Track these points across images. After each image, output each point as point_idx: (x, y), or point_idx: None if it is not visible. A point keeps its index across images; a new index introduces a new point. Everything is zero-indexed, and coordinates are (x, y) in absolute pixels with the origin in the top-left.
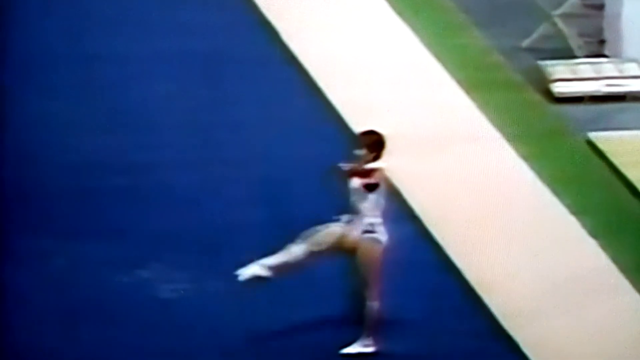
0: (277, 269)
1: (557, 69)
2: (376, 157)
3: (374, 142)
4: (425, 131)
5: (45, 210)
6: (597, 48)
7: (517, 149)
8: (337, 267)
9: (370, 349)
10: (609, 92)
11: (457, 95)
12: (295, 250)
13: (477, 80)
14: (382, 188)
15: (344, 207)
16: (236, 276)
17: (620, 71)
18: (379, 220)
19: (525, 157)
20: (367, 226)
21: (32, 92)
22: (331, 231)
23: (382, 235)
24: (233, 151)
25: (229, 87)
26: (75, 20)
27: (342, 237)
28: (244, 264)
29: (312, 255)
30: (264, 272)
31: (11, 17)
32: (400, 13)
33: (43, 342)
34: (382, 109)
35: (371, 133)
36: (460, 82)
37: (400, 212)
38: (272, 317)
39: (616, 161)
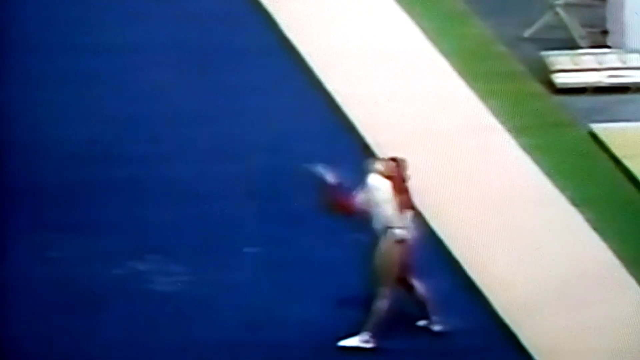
0: (376, 329)
1: (559, 59)
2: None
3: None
4: (425, 122)
5: (41, 203)
6: (600, 39)
7: (518, 141)
8: (335, 261)
9: (369, 345)
10: (611, 84)
11: (458, 86)
12: (380, 305)
13: (478, 71)
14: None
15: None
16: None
17: (623, 62)
18: (399, 215)
19: (527, 149)
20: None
21: (30, 83)
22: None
23: (401, 231)
24: (231, 143)
25: (227, 78)
26: (72, 11)
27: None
28: (241, 256)
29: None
30: (368, 345)
31: (9, 9)
32: (401, 3)
33: (39, 334)
34: (382, 100)
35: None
36: (461, 73)
37: None
38: (270, 309)
39: (618, 153)
